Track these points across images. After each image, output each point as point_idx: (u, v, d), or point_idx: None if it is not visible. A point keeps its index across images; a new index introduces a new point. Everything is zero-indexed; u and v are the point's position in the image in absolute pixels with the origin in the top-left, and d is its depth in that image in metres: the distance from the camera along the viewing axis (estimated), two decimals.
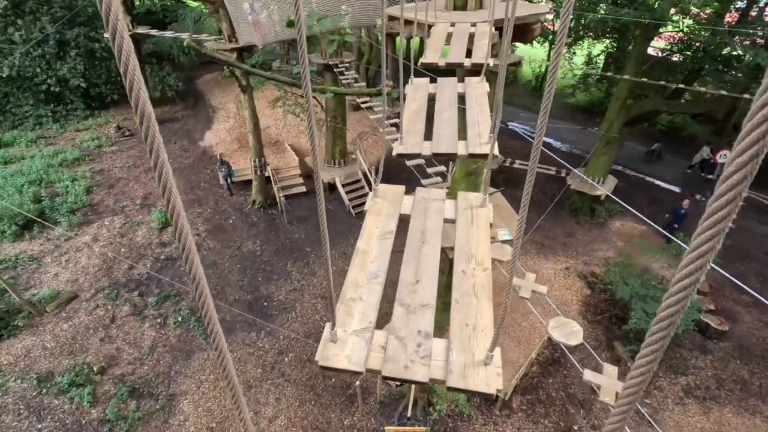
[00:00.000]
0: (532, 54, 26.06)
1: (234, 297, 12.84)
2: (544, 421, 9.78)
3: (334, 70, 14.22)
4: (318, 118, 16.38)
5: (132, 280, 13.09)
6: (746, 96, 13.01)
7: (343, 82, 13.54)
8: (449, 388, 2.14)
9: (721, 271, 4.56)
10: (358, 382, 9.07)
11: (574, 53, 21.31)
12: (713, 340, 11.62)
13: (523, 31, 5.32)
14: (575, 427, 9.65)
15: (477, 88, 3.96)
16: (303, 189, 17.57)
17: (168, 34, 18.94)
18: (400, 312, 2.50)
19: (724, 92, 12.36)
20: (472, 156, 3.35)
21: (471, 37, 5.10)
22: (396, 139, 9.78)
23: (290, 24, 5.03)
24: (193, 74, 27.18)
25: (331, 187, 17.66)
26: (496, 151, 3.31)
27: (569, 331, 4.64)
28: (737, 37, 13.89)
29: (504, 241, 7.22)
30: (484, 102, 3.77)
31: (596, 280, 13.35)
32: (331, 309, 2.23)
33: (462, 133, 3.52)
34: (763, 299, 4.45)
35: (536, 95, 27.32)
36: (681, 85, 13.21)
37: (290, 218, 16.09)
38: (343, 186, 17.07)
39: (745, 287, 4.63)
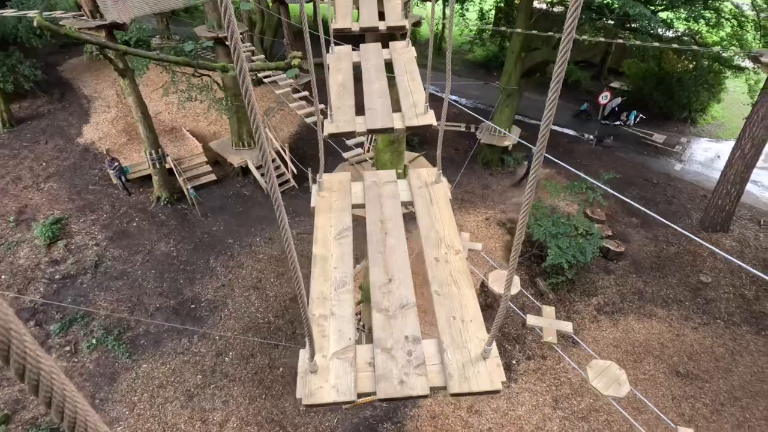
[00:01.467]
0: (427, 12, 26.20)
1: (155, 306, 11.70)
2: None
3: (227, 43, 12.96)
4: (218, 98, 15.01)
5: (24, 310, 11.26)
6: (618, 41, 14.41)
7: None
8: (453, 395, 1.99)
9: (615, 193, 5.10)
10: None
11: (467, 9, 21.82)
12: (613, 261, 13.29)
13: None
14: (514, 362, 10.57)
15: (404, 53, 3.72)
16: (213, 177, 16.26)
17: (8, 12, 15.65)
18: (380, 319, 2.26)
19: (602, 39, 13.56)
20: (410, 129, 3.16)
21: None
22: (309, 114, 9.27)
23: None
24: (54, 60, 23.16)
25: (243, 171, 16.58)
26: (434, 122, 3.16)
27: None
28: None
29: None
30: (413, 69, 3.56)
31: (514, 225, 14.38)
32: (308, 336, 1.90)
33: (394, 104, 3.30)
34: (653, 214, 5.02)
35: (437, 54, 27.77)
36: None
37: (204, 210, 14.86)
38: (258, 168, 16.11)
39: (641, 208, 5.24)
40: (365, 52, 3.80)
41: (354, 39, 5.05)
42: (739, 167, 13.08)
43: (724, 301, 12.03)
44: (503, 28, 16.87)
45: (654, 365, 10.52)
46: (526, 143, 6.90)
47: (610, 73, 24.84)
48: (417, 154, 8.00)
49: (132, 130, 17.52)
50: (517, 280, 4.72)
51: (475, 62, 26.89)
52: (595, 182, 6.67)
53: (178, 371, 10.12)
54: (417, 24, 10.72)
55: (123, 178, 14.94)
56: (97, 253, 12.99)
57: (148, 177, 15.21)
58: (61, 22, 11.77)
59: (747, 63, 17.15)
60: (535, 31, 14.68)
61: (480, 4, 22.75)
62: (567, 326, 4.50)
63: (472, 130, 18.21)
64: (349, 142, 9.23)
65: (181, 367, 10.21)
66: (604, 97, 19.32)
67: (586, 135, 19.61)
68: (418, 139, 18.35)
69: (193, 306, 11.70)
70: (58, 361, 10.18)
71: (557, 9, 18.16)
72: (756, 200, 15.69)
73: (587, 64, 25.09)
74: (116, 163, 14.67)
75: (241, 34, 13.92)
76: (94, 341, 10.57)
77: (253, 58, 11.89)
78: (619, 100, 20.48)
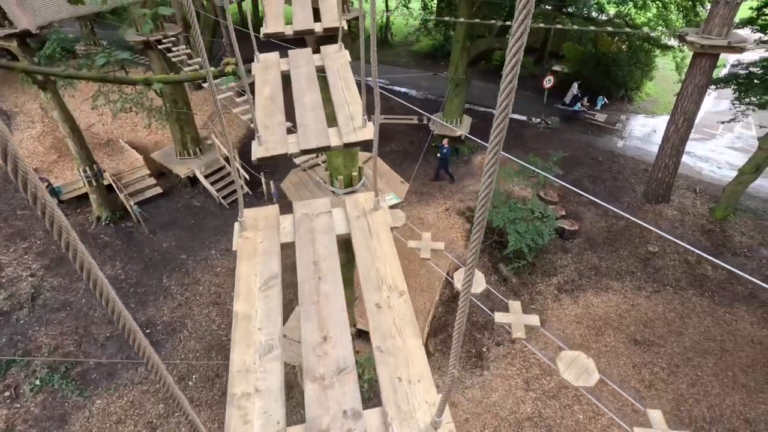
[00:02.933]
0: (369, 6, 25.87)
1: (105, 335, 10.86)
2: None
3: (159, 47, 12.12)
4: (156, 107, 14.05)
5: None
6: (557, 26, 14.82)
7: (173, 59, 11.63)
8: None
9: (559, 181, 5.20)
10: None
11: (410, 0, 21.76)
12: (569, 240, 13.78)
13: None
14: (484, 349, 10.72)
15: (337, 58, 3.42)
16: (158, 190, 15.30)
17: None
18: (313, 390, 1.95)
19: (542, 25, 13.87)
20: (348, 146, 2.89)
21: None
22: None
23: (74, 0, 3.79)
24: None
25: (191, 181, 15.72)
26: (372, 135, 2.92)
27: (473, 280, 4.78)
28: None
29: (393, 206, 7.18)
30: (348, 75, 3.28)
31: (473, 214, 14.54)
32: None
33: (330, 117, 3.02)
34: (594, 198, 5.18)
35: (384, 47, 27.57)
36: (507, 23, 14.44)
37: (151, 227, 13.96)
38: (206, 177, 15.32)
39: (581, 192, 5.37)
40: (294, 58, 3.46)
41: (295, 41, 4.73)
42: (675, 141, 13.89)
43: (671, 268, 12.79)
44: (447, 18, 16.92)
45: (614, 336, 11.02)
46: (475, 139, 6.92)
47: (551, 56, 25.67)
48: (371, 155, 7.78)
49: (62, 146, 16.10)
50: (481, 277, 4.66)
51: (422, 53, 26.93)
52: (541, 172, 6.84)
53: (138, 403, 9.45)
54: (358, 18, 10.49)
55: (56, 200, 13.72)
56: (33, 285, 11.87)
57: (85, 196, 14.07)
58: None
59: (673, 42, 18.22)
60: (477, 20, 14.82)
61: None
62: (534, 320, 4.50)
63: (425, 121, 18.23)
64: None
65: (141, 398, 9.54)
66: (547, 81, 19.91)
67: (533, 119, 20.17)
68: None
69: (148, 330, 10.96)
70: None
71: None
72: (690, 170, 16.78)
73: (529, 49, 25.81)
74: (45, 184, 13.44)
75: (176, 35, 13.02)
76: (37, 382, 9.65)
77: (190, 62, 11.16)
78: (576, 85, 20.65)
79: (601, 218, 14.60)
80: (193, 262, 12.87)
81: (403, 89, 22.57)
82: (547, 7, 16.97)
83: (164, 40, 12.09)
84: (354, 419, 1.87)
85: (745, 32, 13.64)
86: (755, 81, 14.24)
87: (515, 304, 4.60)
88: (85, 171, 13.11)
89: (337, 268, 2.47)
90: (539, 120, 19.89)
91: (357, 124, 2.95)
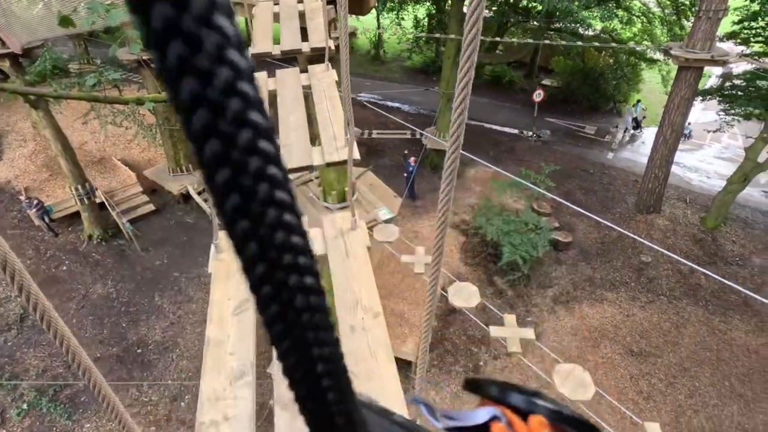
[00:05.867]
0: (363, 24, 26.32)
1: (95, 356, 10.64)
2: (455, 367, 10.54)
3: (152, 65, 12.18)
4: (148, 124, 14.07)
5: None
6: (546, 42, 15.14)
7: None
8: None
9: (550, 195, 5.27)
10: (272, 401, 8.43)
11: (403, 18, 22.16)
12: (563, 251, 13.83)
13: (358, 4, 5.01)
14: (481, 363, 10.64)
15: (323, 78, 3.45)
16: (151, 207, 15.21)
17: None
18: (284, 419, 1.87)
19: (529, 40, 14.18)
20: (330, 165, 2.91)
21: (302, 15, 4.60)
22: None
23: (64, 21, 3.82)
24: None
25: (184, 198, 15.65)
26: (356, 155, 2.92)
27: (467, 294, 4.81)
28: None
29: (387, 221, 7.19)
30: (333, 95, 3.30)
31: (467, 227, 14.60)
32: None
33: (314, 136, 3.05)
34: (587, 212, 5.21)
35: (377, 63, 27.96)
36: (497, 39, 14.75)
37: (144, 244, 13.83)
38: (199, 194, 15.25)
39: (570, 204, 5.42)
40: (282, 78, 3.50)
41: (283, 62, 4.78)
42: (663, 152, 14.10)
43: (664, 278, 12.85)
44: (437, 35, 17.24)
45: (610, 347, 10.99)
46: (464, 152, 7.00)
47: (540, 70, 26.13)
48: (363, 170, 7.81)
49: (54, 164, 16.01)
50: (475, 291, 4.66)
51: (414, 69, 27.28)
52: (535, 188, 6.93)
53: (128, 427, 9.21)
54: (353, 35, 10.67)
55: (46, 219, 13.60)
56: (22, 306, 11.64)
57: (77, 214, 13.95)
58: None
59: (659, 55, 18.67)
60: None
61: (414, 12, 23.20)
62: (529, 333, 4.50)
63: (418, 136, 18.38)
64: None
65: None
66: (537, 95, 20.22)
67: (525, 132, 20.41)
68: (365, 149, 18.24)
69: (139, 351, 10.77)
70: None
71: (486, 13, 18.87)
72: (680, 180, 17.00)
73: (519, 63, 26.29)
74: (36, 202, 13.33)
75: None
76: (24, 406, 9.41)
77: None
78: (635, 108, 20.10)
79: (594, 229, 14.68)
80: (186, 279, 12.73)
81: (396, 104, 22.81)
82: (535, 23, 17.38)
83: None
84: None
85: (728, 46, 14.03)
86: (739, 93, 14.58)
87: (510, 318, 4.59)
88: (77, 189, 13.02)
89: None
90: (531, 133, 20.13)
91: (339, 144, 2.97)
